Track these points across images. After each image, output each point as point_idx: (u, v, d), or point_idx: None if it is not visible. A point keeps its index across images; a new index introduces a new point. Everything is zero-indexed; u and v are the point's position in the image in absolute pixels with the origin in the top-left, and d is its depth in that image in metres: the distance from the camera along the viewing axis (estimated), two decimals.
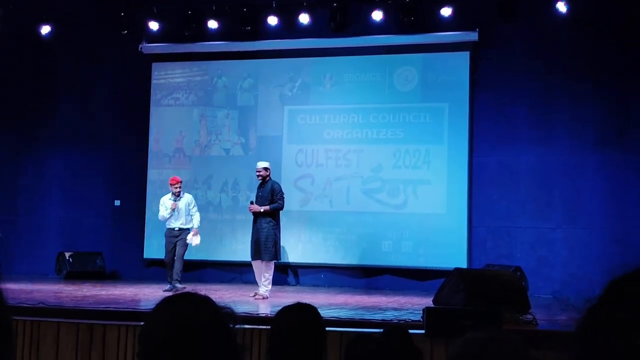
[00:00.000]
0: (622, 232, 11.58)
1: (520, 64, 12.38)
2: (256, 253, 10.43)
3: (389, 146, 12.77)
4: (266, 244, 10.32)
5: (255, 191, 10.76)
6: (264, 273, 10.37)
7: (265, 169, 10.62)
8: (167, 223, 11.10)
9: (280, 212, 10.66)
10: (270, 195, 10.45)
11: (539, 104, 12.30)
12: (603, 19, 11.85)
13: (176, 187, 11.04)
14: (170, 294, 1.82)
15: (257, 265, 10.51)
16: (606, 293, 0.85)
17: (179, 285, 10.73)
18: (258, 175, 10.68)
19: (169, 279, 10.99)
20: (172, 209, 10.98)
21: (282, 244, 12.32)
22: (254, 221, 10.57)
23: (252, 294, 10.37)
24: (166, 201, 11.08)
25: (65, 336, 7.40)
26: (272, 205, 10.39)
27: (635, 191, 11.81)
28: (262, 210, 10.36)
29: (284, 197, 10.61)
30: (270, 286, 10.38)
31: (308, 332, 3.01)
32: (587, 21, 11.95)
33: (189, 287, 9.90)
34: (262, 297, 10.12)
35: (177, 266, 10.96)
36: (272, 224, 10.41)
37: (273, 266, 10.51)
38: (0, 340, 1.43)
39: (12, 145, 14.48)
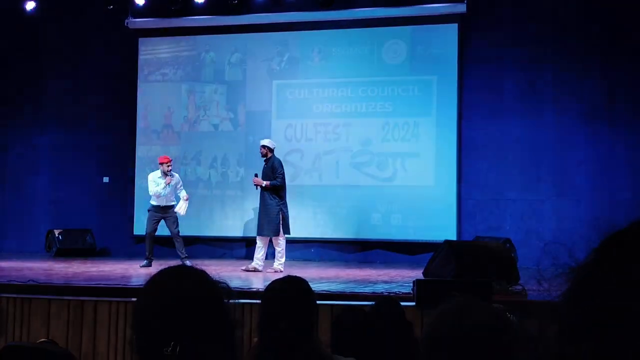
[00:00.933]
0: (610, 203, 11.63)
1: (509, 36, 12.35)
2: (260, 228, 10.55)
3: (378, 119, 12.76)
4: (271, 220, 10.42)
5: (262, 167, 10.82)
6: (276, 247, 10.53)
7: (263, 146, 10.67)
8: (152, 200, 11.08)
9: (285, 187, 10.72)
10: (271, 172, 10.51)
11: (527, 76, 12.30)
12: None
13: (168, 166, 11.04)
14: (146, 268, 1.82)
15: (259, 240, 10.61)
16: (602, 252, 0.84)
17: (188, 263, 10.71)
18: (261, 154, 10.72)
19: (147, 253, 11.01)
20: (167, 184, 10.97)
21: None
22: (261, 198, 10.62)
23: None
24: (156, 178, 11.05)
25: (56, 313, 7.41)
26: (271, 182, 10.45)
27: (622, 163, 11.85)
28: (263, 184, 10.45)
29: (283, 175, 10.59)
30: (283, 259, 10.55)
31: (299, 305, 3.00)
32: None
33: (178, 263, 9.90)
34: (275, 271, 10.23)
35: (179, 245, 11.02)
36: (276, 200, 10.47)
37: (283, 240, 10.58)
38: None
39: None
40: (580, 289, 0.84)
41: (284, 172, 10.63)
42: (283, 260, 10.57)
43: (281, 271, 10.26)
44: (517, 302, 6.69)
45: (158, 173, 11.10)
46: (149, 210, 11.17)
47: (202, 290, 1.62)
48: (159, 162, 11.23)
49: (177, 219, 11.07)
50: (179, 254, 10.98)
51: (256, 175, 10.65)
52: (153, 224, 11.06)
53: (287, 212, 10.65)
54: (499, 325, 1.49)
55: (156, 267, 10.73)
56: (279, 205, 10.47)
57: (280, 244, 10.56)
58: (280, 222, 10.45)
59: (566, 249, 0.99)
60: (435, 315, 1.50)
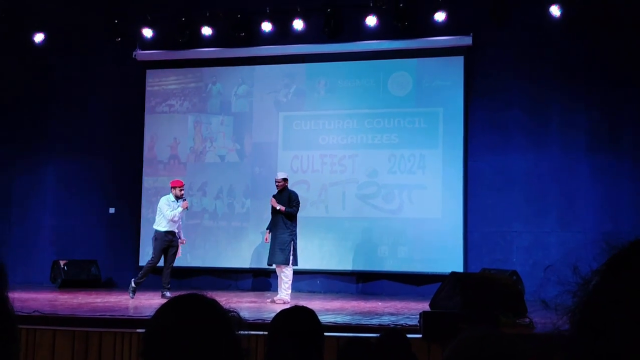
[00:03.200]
0: (616, 235, 11.54)
1: (514, 69, 12.40)
2: (271, 257, 10.69)
3: (384, 151, 12.77)
4: (283, 249, 10.58)
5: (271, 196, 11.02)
6: (283, 277, 10.64)
7: (285, 179, 10.92)
8: (161, 225, 11.07)
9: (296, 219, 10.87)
10: (287, 202, 10.72)
11: (532, 108, 12.32)
12: (596, 24, 11.87)
13: (181, 190, 11.16)
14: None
15: (277, 269, 10.77)
16: (604, 273, 0.84)
17: (168, 294, 10.73)
18: (277, 185, 10.94)
19: (140, 280, 10.99)
20: (185, 208, 11.10)
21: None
22: (273, 227, 10.78)
23: (269, 300, 10.58)
24: (170, 202, 11.08)
25: (61, 344, 7.37)
26: (287, 209, 10.65)
27: (627, 195, 11.83)
28: (278, 207, 10.65)
29: (299, 205, 10.87)
30: (290, 290, 10.64)
31: (306, 335, 2.98)
32: (580, 25, 11.96)
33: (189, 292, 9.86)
34: (283, 302, 10.30)
35: (168, 275, 11.05)
36: (289, 230, 10.68)
37: (291, 271, 10.71)
38: (6, 347, 1.42)
39: (6, 153, 14.43)
40: (584, 314, 0.84)
41: (299, 203, 10.85)
42: (290, 291, 10.61)
43: (288, 302, 10.27)
44: (525, 335, 6.63)
45: (170, 197, 11.13)
46: (157, 238, 11.08)
47: (213, 320, 1.61)
48: (172, 185, 11.24)
49: (178, 248, 11.11)
50: (163, 283, 11.03)
51: (274, 196, 10.80)
52: (162, 251, 11.03)
53: (297, 243, 10.75)
54: (518, 356, 1.48)
55: (159, 298, 10.70)
56: (291, 236, 10.65)
57: (288, 274, 10.64)
58: (291, 252, 10.58)
59: (570, 268, 0.99)
60: (454, 345, 1.49)
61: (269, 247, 10.88)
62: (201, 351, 1.56)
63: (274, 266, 10.86)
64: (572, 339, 0.83)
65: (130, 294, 10.88)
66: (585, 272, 0.96)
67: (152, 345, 1.59)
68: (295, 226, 10.80)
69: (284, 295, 10.53)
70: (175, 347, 1.56)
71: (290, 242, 10.62)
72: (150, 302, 10.46)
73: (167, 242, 11.04)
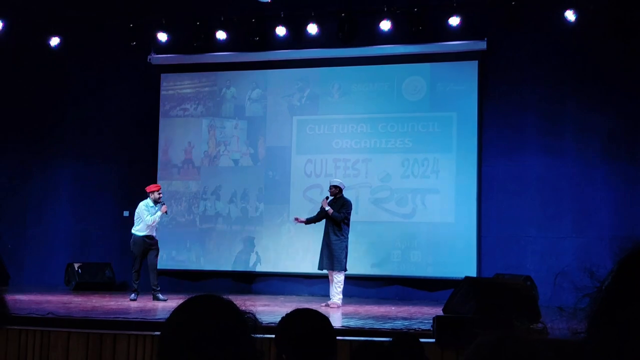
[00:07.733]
0: (632, 241, 11.48)
1: (529, 73, 12.36)
2: (328, 264, 10.83)
3: (398, 155, 12.76)
4: (338, 256, 10.74)
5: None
6: (337, 283, 10.82)
7: (335, 186, 11.04)
8: (139, 230, 11.20)
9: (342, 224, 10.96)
10: (338, 209, 10.90)
11: (547, 113, 12.28)
12: (612, 28, 11.81)
13: (159, 194, 11.34)
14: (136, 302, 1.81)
15: (331, 275, 10.93)
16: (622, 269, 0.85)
17: (161, 296, 10.87)
18: (329, 191, 11.10)
19: (135, 285, 11.15)
20: (164, 212, 11.20)
21: (292, 253, 12.37)
22: (325, 234, 10.94)
23: (323, 304, 10.56)
24: (149, 207, 11.22)
25: (75, 346, 7.40)
26: (334, 213, 10.81)
27: None
28: (326, 209, 10.83)
29: (349, 212, 10.98)
30: (342, 295, 10.82)
31: (317, 339, 2.96)
32: (595, 30, 11.91)
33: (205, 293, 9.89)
34: (337, 306, 10.55)
35: (154, 276, 11.16)
36: (342, 237, 10.86)
37: (343, 276, 10.88)
38: None
39: (21, 157, 14.52)
40: (599, 314, 0.84)
41: (351, 213, 10.99)
42: (342, 295, 10.82)
43: (340, 305, 10.55)
44: (541, 340, 6.59)
45: (149, 202, 11.27)
46: (135, 243, 11.25)
47: (229, 321, 1.61)
48: (149, 190, 11.38)
49: (159, 250, 11.30)
50: (153, 286, 11.14)
51: (327, 198, 10.97)
52: (142, 255, 11.19)
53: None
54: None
55: (175, 301, 10.74)
56: (344, 242, 10.85)
57: (341, 279, 10.81)
58: (345, 258, 10.78)
59: (584, 273, 0.99)
60: (471, 350, 1.48)
61: (319, 252, 10.98)
62: (217, 351, 1.56)
63: (324, 271, 10.99)
64: (587, 341, 0.84)
65: (133, 296, 11.11)
66: (601, 276, 0.96)
67: (168, 344, 1.60)
68: (348, 232, 10.93)
69: (337, 299, 10.70)
70: (191, 346, 1.56)
71: (345, 248, 10.82)
72: (163, 304, 10.49)
73: (147, 246, 11.19)
